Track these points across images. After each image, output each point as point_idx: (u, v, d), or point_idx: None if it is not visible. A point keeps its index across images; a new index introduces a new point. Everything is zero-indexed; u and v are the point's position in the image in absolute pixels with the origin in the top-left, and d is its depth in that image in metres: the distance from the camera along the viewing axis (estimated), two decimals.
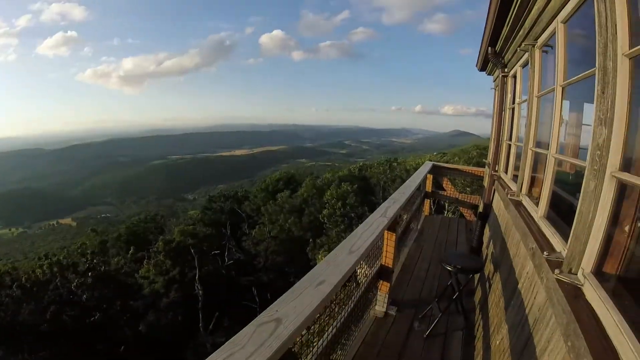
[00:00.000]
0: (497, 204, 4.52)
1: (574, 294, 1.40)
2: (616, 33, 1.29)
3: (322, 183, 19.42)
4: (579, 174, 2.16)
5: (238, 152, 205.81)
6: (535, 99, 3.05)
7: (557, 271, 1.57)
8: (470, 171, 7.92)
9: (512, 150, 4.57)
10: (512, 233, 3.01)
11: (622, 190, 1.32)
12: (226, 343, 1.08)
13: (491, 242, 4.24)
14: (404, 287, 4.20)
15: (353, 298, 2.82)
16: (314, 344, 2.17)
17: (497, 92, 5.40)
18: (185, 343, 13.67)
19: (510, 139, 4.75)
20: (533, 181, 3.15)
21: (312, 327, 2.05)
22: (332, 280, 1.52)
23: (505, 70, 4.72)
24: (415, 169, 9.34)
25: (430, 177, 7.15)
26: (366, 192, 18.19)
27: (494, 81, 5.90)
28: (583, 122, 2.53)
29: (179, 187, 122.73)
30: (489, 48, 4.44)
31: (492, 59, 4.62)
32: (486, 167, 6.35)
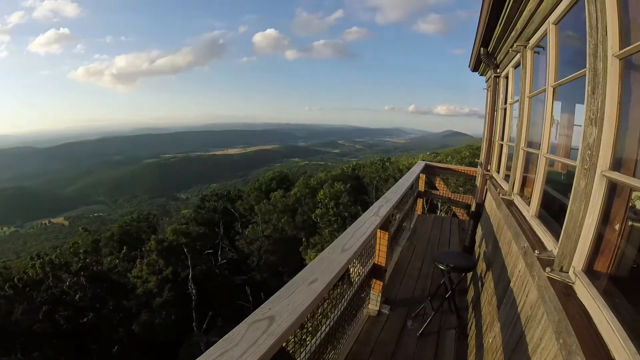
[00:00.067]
0: (490, 204, 4.55)
1: (566, 292, 1.41)
2: (607, 34, 1.30)
3: (315, 182, 19.42)
4: (570, 174, 2.18)
5: (231, 151, 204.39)
6: (526, 100, 3.07)
7: (548, 269, 1.58)
8: (462, 171, 7.97)
9: (504, 150, 4.59)
10: (504, 232, 3.03)
11: (612, 189, 1.34)
12: (219, 341, 1.08)
13: (483, 241, 4.27)
14: (397, 285, 4.21)
15: (346, 296, 2.82)
16: (307, 342, 2.17)
17: (489, 92, 5.44)
18: (178, 342, 13.60)
19: (502, 139, 4.78)
20: (525, 181, 3.17)
21: (306, 325, 2.04)
22: (325, 279, 1.53)
23: (498, 70, 4.76)
24: (408, 169, 9.36)
25: (423, 176, 7.19)
26: (359, 192, 18.24)
27: (487, 82, 5.94)
28: (574, 123, 2.55)
29: (172, 185, 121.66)
30: (482, 49, 4.46)
31: (485, 59, 4.64)
32: (478, 166, 6.39)
